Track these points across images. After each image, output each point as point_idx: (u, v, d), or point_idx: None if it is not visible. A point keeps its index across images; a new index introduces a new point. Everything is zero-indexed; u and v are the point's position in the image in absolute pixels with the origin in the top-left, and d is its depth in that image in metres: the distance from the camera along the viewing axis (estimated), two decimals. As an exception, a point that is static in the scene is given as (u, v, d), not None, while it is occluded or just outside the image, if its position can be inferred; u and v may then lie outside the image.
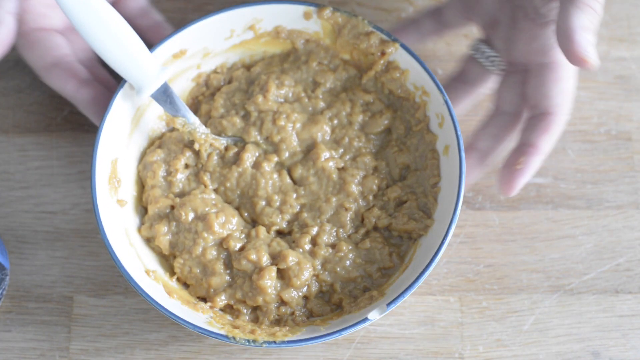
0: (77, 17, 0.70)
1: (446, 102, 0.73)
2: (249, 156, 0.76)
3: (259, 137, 0.77)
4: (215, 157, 0.76)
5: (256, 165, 0.76)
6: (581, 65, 0.64)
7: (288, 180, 0.76)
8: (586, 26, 0.64)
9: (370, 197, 0.75)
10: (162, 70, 0.73)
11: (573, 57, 0.64)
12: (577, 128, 0.82)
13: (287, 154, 0.76)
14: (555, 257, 0.78)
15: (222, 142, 0.76)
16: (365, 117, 0.77)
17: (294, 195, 0.75)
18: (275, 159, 0.76)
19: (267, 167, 0.76)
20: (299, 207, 0.75)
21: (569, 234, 0.79)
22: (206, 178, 0.76)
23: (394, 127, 0.78)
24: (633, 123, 0.82)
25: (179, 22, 0.85)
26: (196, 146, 0.76)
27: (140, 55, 0.72)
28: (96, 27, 0.70)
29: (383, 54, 0.77)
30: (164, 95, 0.73)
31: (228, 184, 0.76)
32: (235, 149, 0.76)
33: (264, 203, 0.75)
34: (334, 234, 0.74)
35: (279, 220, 0.75)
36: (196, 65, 0.79)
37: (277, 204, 0.75)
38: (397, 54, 0.76)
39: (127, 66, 0.72)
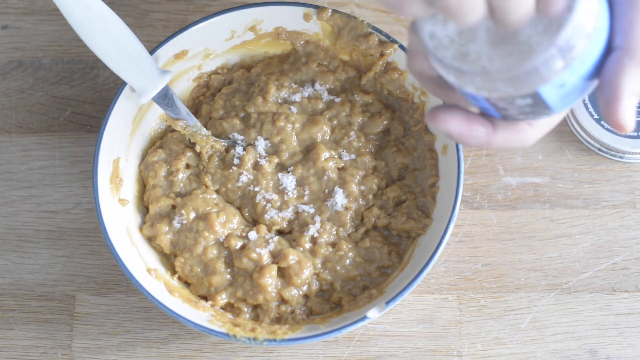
0: (78, 20, 0.70)
1: (444, 102, 0.74)
2: (250, 157, 0.76)
3: (259, 139, 0.77)
4: (217, 159, 0.77)
5: (257, 166, 0.76)
6: (616, 129, 0.56)
7: (288, 180, 0.76)
8: (636, 89, 0.55)
9: (370, 197, 0.76)
10: (163, 74, 0.73)
11: (611, 119, 0.56)
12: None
13: (287, 155, 0.77)
14: (552, 255, 0.78)
15: (223, 144, 0.77)
16: (365, 118, 0.78)
17: (295, 195, 0.76)
18: (276, 160, 0.76)
19: (267, 167, 0.76)
20: (299, 206, 0.76)
21: (566, 233, 0.79)
22: (207, 179, 0.76)
23: (393, 127, 0.78)
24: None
25: (181, 23, 0.85)
26: (197, 148, 0.76)
27: (141, 59, 0.72)
28: (97, 31, 0.70)
29: (382, 55, 0.77)
30: (165, 99, 0.74)
31: (229, 185, 0.76)
32: (236, 151, 0.77)
33: (264, 203, 0.75)
34: (334, 233, 0.75)
35: (279, 219, 0.75)
36: (197, 66, 0.79)
37: (278, 204, 0.75)
38: (396, 55, 0.77)
39: (128, 70, 0.72)
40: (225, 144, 0.77)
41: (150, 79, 0.72)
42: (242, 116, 0.78)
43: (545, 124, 0.57)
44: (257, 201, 0.75)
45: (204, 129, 0.76)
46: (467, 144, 0.58)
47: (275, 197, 0.75)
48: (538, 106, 0.53)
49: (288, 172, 0.76)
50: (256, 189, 0.76)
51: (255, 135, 0.77)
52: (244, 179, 0.76)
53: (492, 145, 0.57)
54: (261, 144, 0.77)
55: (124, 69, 0.72)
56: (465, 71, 0.51)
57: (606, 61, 0.53)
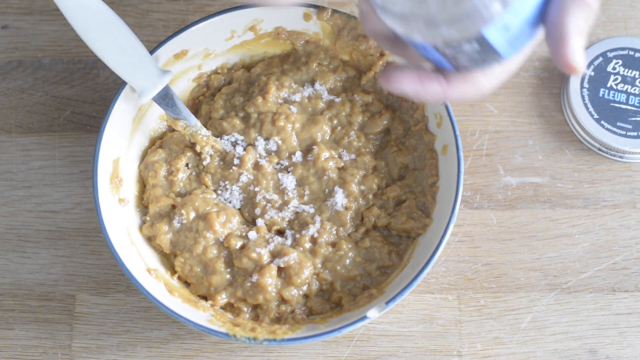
0: (78, 20, 0.70)
1: (444, 102, 0.74)
2: (250, 157, 0.76)
3: (259, 138, 0.77)
4: (217, 159, 0.77)
5: (257, 166, 0.76)
6: (568, 71, 0.58)
7: (288, 180, 0.76)
8: (581, 29, 0.57)
9: (370, 197, 0.76)
10: (163, 74, 0.73)
11: (562, 61, 0.58)
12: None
13: (287, 155, 0.77)
14: (552, 255, 0.78)
15: (223, 144, 0.77)
16: (365, 118, 0.78)
17: (295, 195, 0.76)
18: (276, 159, 0.77)
19: (267, 167, 0.76)
20: (299, 206, 0.76)
21: (566, 233, 0.79)
22: (207, 179, 0.76)
23: (393, 127, 0.78)
24: (630, 123, 0.83)
25: (181, 23, 0.85)
26: (197, 148, 0.76)
27: (141, 59, 0.72)
28: (97, 31, 0.70)
29: (382, 55, 0.77)
30: (165, 99, 0.74)
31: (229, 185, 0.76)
32: (236, 151, 0.77)
33: (264, 203, 0.75)
34: (334, 232, 0.75)
35: (279, 219, 0.75)
36: (197, 65, 0.79)
37: (278, 204, 0.75)
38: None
39: (128, 70, 0.72)
40: (226, 144, 0.77)
41: (150, 78, 0.73)
42: (242, 116, 0.78)
43: (499, 73, 0.58)
44: (257, 201, 0.75)
45: (204, 129, 0.76)
46: (424, 100, 0.59)
47: (275, 197, 0.75)
48: (487, 52, 0.54)
49: (288, 172, 0.76)
50: (256, 189, 0.76)
51: (255, 135, 0.77)
52: (244, 179, 0.76)
53: (449, 98, 0.59)
54: (261, 144, 0.77)
55: (124, 69, 0.72)
56: (408, 17, 0.52)
57: (549, 5, 0.55)
